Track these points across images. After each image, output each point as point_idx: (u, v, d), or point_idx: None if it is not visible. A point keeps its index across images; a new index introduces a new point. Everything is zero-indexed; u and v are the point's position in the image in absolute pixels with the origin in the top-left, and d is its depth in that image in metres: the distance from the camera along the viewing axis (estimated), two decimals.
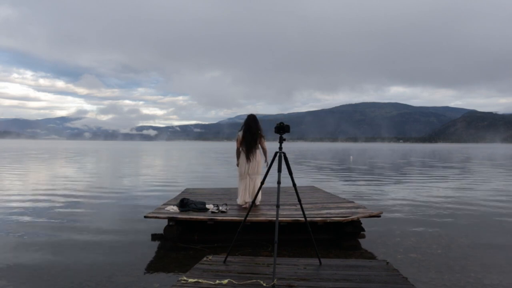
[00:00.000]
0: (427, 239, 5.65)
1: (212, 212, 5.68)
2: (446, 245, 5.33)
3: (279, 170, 3.45)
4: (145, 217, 5.53)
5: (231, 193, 7.63)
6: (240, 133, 6.11)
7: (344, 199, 7.12)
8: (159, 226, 5.90)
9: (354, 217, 5.36)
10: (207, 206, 5.93)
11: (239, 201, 6.29)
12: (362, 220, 5.55)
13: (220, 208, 5.85)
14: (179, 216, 5.43)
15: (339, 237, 5.52)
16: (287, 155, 3.56)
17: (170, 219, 5.43)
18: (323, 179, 14.88)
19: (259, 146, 6.15)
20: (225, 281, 3.18)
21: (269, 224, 5.20)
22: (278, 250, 3.51)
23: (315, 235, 4.27)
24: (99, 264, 4.44)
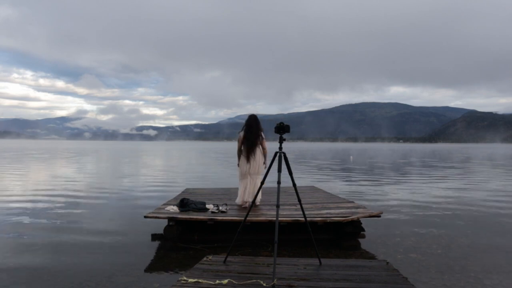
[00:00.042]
0: (427, 239, 5.65)
1: (212, 212, 5.68)
2: (446, 245, 5.33)
3: (279, 170, 3.46)
4: (145, 217, 5.53)
5: (231, 193, 7.64)
6: (242, 133, 6.12)
7: (344, 199, 7.12)
8: (159, 226, 5.90)
9: (354, 217, 5.36)
10: (207, 206, 5.93)
11: (238, 200, 6.30)
12: (362, 220, 5.55)
13: (220, 208, 5.85)
14: (179, 216, 5.43)
15: (339, 237, 5.52)
16: (287, 155, 3.56)
17: (170, 219, 5.43)
18: (323, 179, 14.88)
19: (260, 146, 6.16)
20: (225, 281, 3.18)
21: (269, 224, 5.20)
22: (278, 250, 3.51)
23: (315, 235, 4.27)
24: (99, 264, 4.44)
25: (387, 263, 3.77)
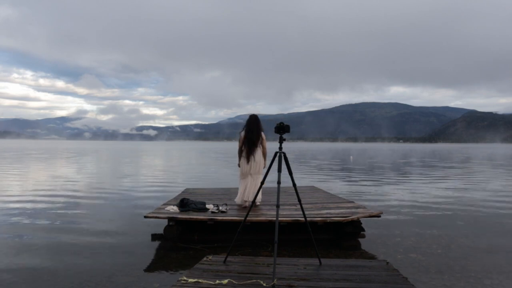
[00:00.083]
0: (427, 239, 5.65)
1: (212, 212, 5.68)
2: (446, 245, 5.33)
3: (279, 170, 3.46)
4: (145, 217, 5.53)
5: (231, 193, 7.63)
6: (242, 133, 6.14)
7: (344, 199, 7.12)
8: (159, 226, 5.90)
9: (354, 217, 5.36)
10: (207, 206, 5.93)
11: (238, 199, 6.30)
12: (362, 220, 5.55)
13: (220, 208, 5.85)
14: (179, 216, 5.43)
15: (339, 237, 5.52)
16: (287, 155, 3.56)
17: (170, 219, 5.43)
18: (323, 179, 14.88)
19: (261, 146, 6.17)
20: (225, 281, 3.18)
21: (269, 224, 5.20)
22: (278, 250, 3.51)
23: (315, 235, 4.27)
24: (99, 264, 4.45)
25: (387, 263, 3.77)
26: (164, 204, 6.31)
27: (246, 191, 6.14)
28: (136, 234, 5.89)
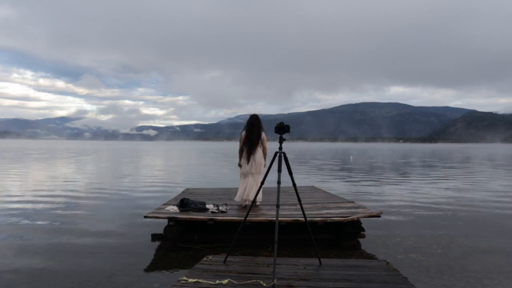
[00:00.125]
0: (427, 239, 5.65)
1: (212, 212, 5.68)
2: (446, 245, 5.32)
3: (279, 170, 3.46)
4: (145, 217, 5.53)
5: (231, 193, 7.63)
6: (243, 133, 6.16)
7: (344, 199, 7.12)
8: (159, 226, 5.90)
9: (354, 217, 5.36)
10: (207, 206, 5.93)
11: (237, 198, 6.31)
12: (362, 220, 5.55)
13: (220, 208, 5.85)
14: (179, 216, 5.43)
15: (339, 237, 5.52)
16: (287, 155, 3.56)
17: (170, 219, 5.43)
18: (323, 179, 14.88)
19: (261, 146, 6.19)
20: (225, 281, 3.18)
21: (269, 224, 5.20)
22: (278, 250, 3.52)
23: (315, 235, 4.27)
24: (99, 264, 4.45)
25: (387, 263, 3.77)
26: (164, 204, 6.31)
27: (247, 190, 6.15)
28: (136, 234, 5.89)
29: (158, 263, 4.56)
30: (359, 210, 5.81)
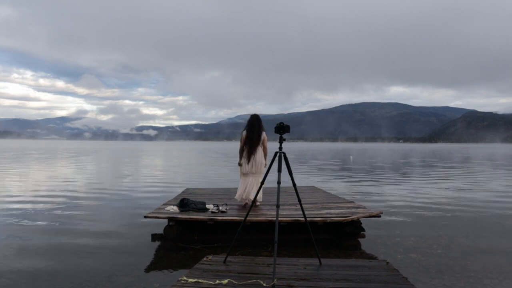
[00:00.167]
0: (427, 239, 5.64)
1: (212, 212, 5.68)
2: (446, 245, 5.32)
3: (279, 170, 3.46)
4: (145, 217, 5.53)
5: (231, 193, 7.63)
6: (244, 133, 6.18)
7: (344, 199, 7.12)
8: (159, 226, 5.90)
9: (354, 217, 5.36)
10: (207, 206, 5.93)
11: (237, 196, 6.31)
12: (362, 220, 5.55)
13: (220, 208, 5.85)
14: (179, 216, 5.43)
15: (339, 237, 5.52)
16: (287, 155, 3.56)
17: (170, 219, 5.43)
18: (323, 179, 14.88)
19: (262, 146, 6.20)
20: (225, 281, 3.18)
21: (269, 224, 5.20)
22: (278, 250, 3.52)
23: (315, 235, 4.27)
24: (99, 264, 4.45)
25: (387, 263, 3.77)
26: (164, 204, 6.31)
27: (247, 190, 6.16)
28: (136, 234, 5.89)
29: (158, 263, 4.56)
30: (359, 210, 5.81)
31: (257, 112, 6.25)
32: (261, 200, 6.41)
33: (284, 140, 3.57)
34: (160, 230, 5.73)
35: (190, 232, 5.60)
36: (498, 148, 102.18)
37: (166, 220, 5.48)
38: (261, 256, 4.32)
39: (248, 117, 6.29)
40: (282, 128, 3.56)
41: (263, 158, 6.21)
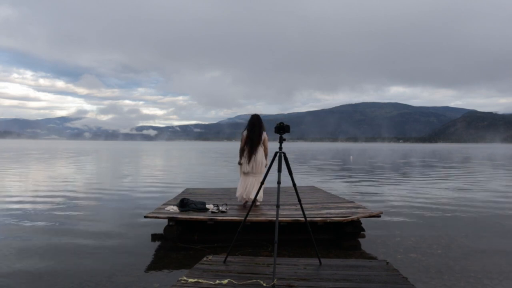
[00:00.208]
0: (427, 239, 5.64)
1: (212, 212, 5.68)
2: (446, 245, 5.33)
3: (279, 170, 3.45)
4: (145, 217, 5.53)
5: (231, 193, 7.64)
6: (245, 132, 6.19)
7: (344, 199, 7.12)
8: (159, 226, 5.90)
9: (354, 217, 5.36)
10: (207, 206, 5.93)
11: (238, 194, 6.32)
12: (362, 220, 5.55)
13: (220, 208, 5.85)
14: (179, 216, 5.43)
15: (339, 237, 5.52)
16: (287, 155, 3.56)
17: (170, 219, 5.43)
18: (323, 179, 14.88)
19: (262, 146, 6.21)
20: (225, 281, 3.18)
21: (269, 224, 5.20)
22: (278, 250, 3.52)
23: (315, 235, 4.27)
24: (99, 264, 4.44)
25: (387, 263, 3.77)
26: (164, 204, 6.31)
27: (247, 189, 6.17)
28: (136, 234, 5.89)
29: (158, 263, 4.56)
30: (359, 210, 5.81)
31: (257, 112, 6.26)
32: (261, 200, 6.42)
33: (284, 140, 3.57)
34: (160, 230, 5.73)
35: (190, 232, 5.60)
36: (498, 148, 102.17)
37: (166, 220, 5.48)
38: (261, 256, 4.32)
39: (248, 117, 6.31)
40: (282, 128, 3.57)
41: (264, 158, 6.22)
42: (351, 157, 38.05)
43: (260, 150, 6.16)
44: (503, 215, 7.64)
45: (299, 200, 3.74)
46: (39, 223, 6.63)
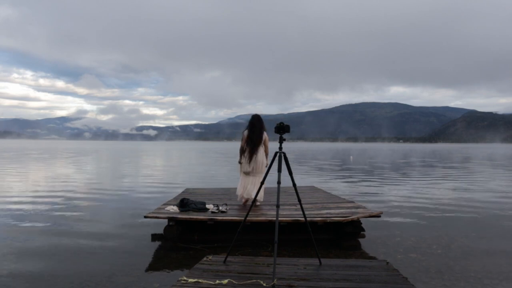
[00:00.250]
0: (427, 239, 5.64)
1: (212, 212, 5.68)
2: (446, 245, 5.32)
3: (279, 170, 3.46)
4: (145, 217, 5.53)
5: (231, 193, 7.64)
6: (246, 132, 6.20)
7: (344, 199, 7.12)
8: (159, 226, 5.90)
9: (354, 217, 5.36)
10: (207, 206, 5.93)
11: (238, 192, 6.33)
12: (362, 220, 5.55)
13: (220, 208, 5.85)
14: (179, 216, 5.43)
15: (339, 237, 5.52)
16: (287, 155, 3.56)
17: (170, 219, 5.43)
18: (323, 179, 14.88)
19: (263, 146, 6.23)
20: (225, 281, 3.18)
21: (269, 224, 5.20)
22: (278, 250, 3.51)
23: (315, 235, 4.27)
24: (99, 264, 4.45)
25: (387, 263, 3.77)
26: (164, 204, 6.31)
27: (248, 189, 6.19)
28: (136, 234, 5.89)
29: (158, 263, 4.56)
30: (359, 210, 5.81)
31: (257, 112, 6.27)
32: (262, 200, 6.42)
33: (284, 140, 3.57)
34: (160, 230, 5.73)
35: (190, 232, 5.60)
36: (498, 148, 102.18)
37: (166, 220, 5.48)
38: (261, 256, 4.32)
39: (249, 117, 6.32)
40: (282, 128, 3.57)
41: (265, 158, 6.23)
42: (351, 157, 38.05)
43: (261, 150, 6.18)
44: (503, 215, 7.64)
45: (299, 200, 3.74)
46: (39, 223, 6.63)
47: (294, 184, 3.66)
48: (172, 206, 5.87)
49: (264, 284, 3.12)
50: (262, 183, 3.87)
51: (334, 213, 5.57)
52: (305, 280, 3.25)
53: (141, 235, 5.85)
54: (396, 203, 8.94)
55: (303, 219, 4.13)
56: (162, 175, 16.96)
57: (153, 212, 5.70)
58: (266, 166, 6.18)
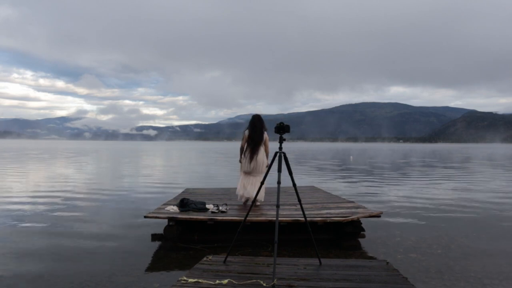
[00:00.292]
0: (427, 239, 5.65)
1: (212, 212, 5.68)
2: (446, 245, 5.33)
3: (279, 170, 3.46)
4: (145, 217, 5.53)
5: (231, 193, 7.64)
6: (246, 132, 6.22)
7: (344, 199, 7.12)
8: (159, 226, 5.90)
9: (354, 217, 5.36)
10: (207, 206, 5.93)
11: (238, 191, 6.33)
12: (362, 220, 5.55)
13: (220, 208, 5.85)
14: (179, 216, 5.43)
15: (339, 237, 5.52)
16: (287, 155, 3.56)
17: (170, 219, 5.43)
18: (323, 179, 14.88)
19: (263, 145, 6.24)
20: (225, 281, 3.18)
21: (269, 224, 5.20)
22: (278, 250, 3.52)
23: (315, 235, 4.27)
24: (99, 264, 4.45)
25: (387, 263, 3.78)
26: (164, 204, 6.31)
27: (248, 189, 6.19)
28: (136, 234, 5.89)
29: (158, 263, 4.56)
30: (359, 210, 5.81)
31: (257, 112, 6.28)
32: (263, 199, 6.43)
33: (284, 140, 3.57)
34: (160, 230, 5.73)
35: (190, 232, 5.60)
36: (498, 148, 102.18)
37: (166, 220, 5.48)
38: (261, 256, 4.32)
39: (249, 117, 6.33)
40: (282, 128, 3.57)
41: (265, 158, 6.24)
42: (351, 157, 38.05)
43: (262, 150, 6.19)
44: (503, 215, 7.64)
45: (299, 200, 3.74)
46: (39, 224, 6.63)
47: (294, 184, 3.66)
48: (172, 206, 5.87)
49: (264, 284, 3.12)
50: (262, 183, 3.87)
51: (334, 213, 5.57)
52: (305, 280, 3.25)
53: (141, 235, 5.85)
54: (396, 203, 8.94)
55: (303, 219, 4.13)
56: (162, 175, 16.96)
57: (153, 212, 5.70)
58: (266, 166, 6.18)
